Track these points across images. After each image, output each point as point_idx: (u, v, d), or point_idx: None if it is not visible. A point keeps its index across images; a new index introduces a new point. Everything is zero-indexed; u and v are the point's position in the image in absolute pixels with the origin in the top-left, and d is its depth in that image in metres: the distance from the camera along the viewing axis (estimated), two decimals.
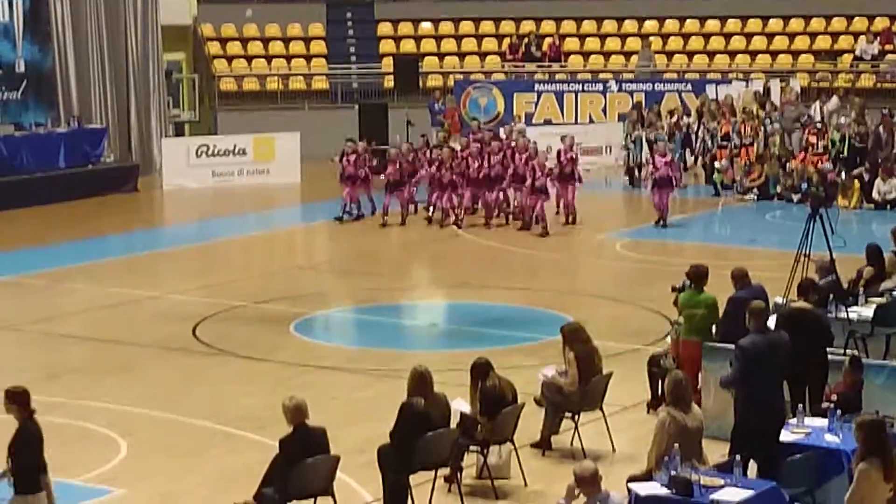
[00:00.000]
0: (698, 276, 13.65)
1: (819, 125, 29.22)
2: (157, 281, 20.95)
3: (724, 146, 29.64)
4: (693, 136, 30.86)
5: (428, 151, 26.18)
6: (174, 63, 35.57)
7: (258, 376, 15.49)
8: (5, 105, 30.16)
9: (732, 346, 11.19)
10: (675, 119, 31.27)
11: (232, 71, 36.40)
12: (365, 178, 25.61)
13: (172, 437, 13.41)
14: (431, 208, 25.37)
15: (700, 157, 30.60)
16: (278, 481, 10.31)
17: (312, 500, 10.66)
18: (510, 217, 25.26)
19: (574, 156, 25.08)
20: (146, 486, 12.05)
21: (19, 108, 30.54)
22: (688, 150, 31.05)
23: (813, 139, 28.74)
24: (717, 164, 29.19)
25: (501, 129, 28.94)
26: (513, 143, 25.66)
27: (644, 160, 28.53)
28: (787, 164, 28.44)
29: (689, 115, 31.58)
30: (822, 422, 11.16)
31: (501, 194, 25.28)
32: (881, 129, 28.67)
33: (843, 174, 27.35)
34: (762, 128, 29.77)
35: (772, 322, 12.00)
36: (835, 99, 31.60)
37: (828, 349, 12.46)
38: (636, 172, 29.62)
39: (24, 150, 29.01)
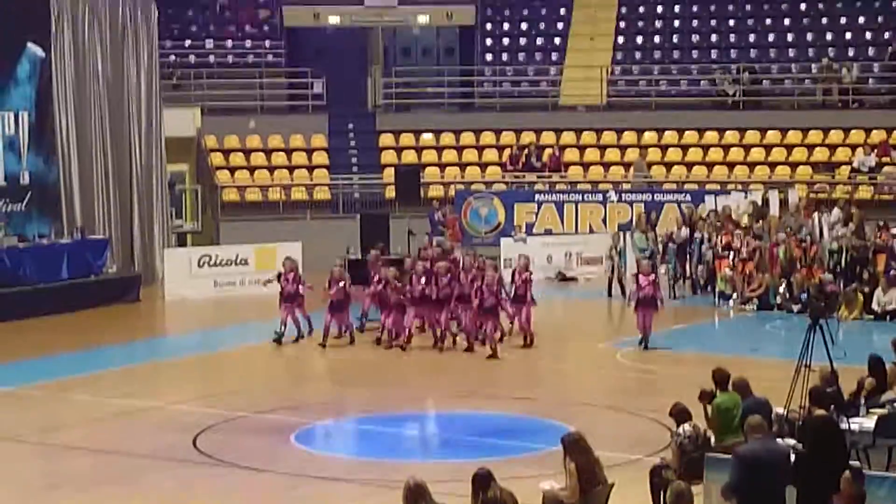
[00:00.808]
0: (725, 378, 14.11)
1: (804, 238, 29.28)
2: (157, 391, 20.93)
3: (725, 256, 29.70)
4: (688, 247, 30.82)
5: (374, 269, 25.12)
6: (177, 174, 35.88)
7: (259, 487, 15.41)
8: (10, 217, 30.33)
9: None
10: (673, 229, 31.36)
11: (235, 181, 36.70)
12: (299, 296, 24.69)
13: None
14: (381, 328, 24.44)
15: (696, 268, 30.57)
16: None
17: None
18: (455, 339, 24.09)
19: (528, 277, 23.97)
20: None
21: (23, 219, 30.72)
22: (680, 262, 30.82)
23: (798, 252, 28.80)
24: (720, 274, 29.19)
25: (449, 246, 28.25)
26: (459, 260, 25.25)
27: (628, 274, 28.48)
28: (791, 275, 28.36)
29: (687, 225, 31.64)
30: None
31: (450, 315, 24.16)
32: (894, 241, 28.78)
33: (842, 285, 27.39)
34: (756, 239, 29.81)
35: (786, 439, 12.07)
36: (836, 210, 31.77)
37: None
38: (615, 284, 29.73)
39: (27, 262, 29.13)
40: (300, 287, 24.70)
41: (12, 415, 19.43)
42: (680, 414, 14.00)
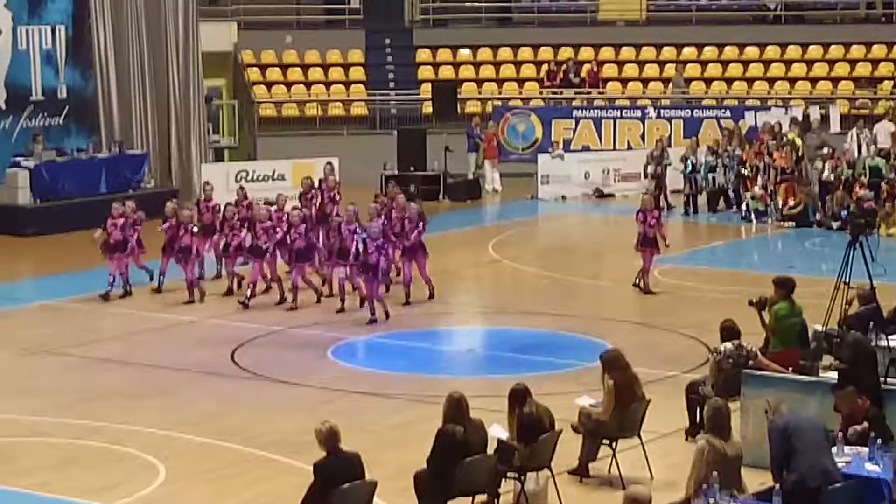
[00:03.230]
0: (790, 286, 14.60)
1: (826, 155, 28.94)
2: (196, 305, 21.01)
3: (756, 174, 29.33)
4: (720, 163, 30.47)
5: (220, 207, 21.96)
6: (214, 89, 35.79)
7: (295, 401, 15.55)
8: (48, 131, 30.40)
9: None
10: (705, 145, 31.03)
11: (271, 97, 36.61)
12: (134, 246, 20.97)
13: (210, 461, 13.46)
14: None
15: (728, 184, 30.22)
16: None
17: None
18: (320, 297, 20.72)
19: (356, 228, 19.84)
20: None
21: (61, 133, 30.78)
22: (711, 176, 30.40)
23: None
24: (750, 192, 28.90)
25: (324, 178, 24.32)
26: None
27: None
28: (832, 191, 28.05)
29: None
30: (862, 450, 11.10)
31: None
32: None
33: (881, 203, 27.07)
34: (798, 154, 29.50)
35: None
36: (886, 123, 31.26)
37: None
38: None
39: (65, 176, 29.21)
40: (130, 236, 20.89)
41: (53, 328, 19.61)
42: (727, 331, 13.90)
